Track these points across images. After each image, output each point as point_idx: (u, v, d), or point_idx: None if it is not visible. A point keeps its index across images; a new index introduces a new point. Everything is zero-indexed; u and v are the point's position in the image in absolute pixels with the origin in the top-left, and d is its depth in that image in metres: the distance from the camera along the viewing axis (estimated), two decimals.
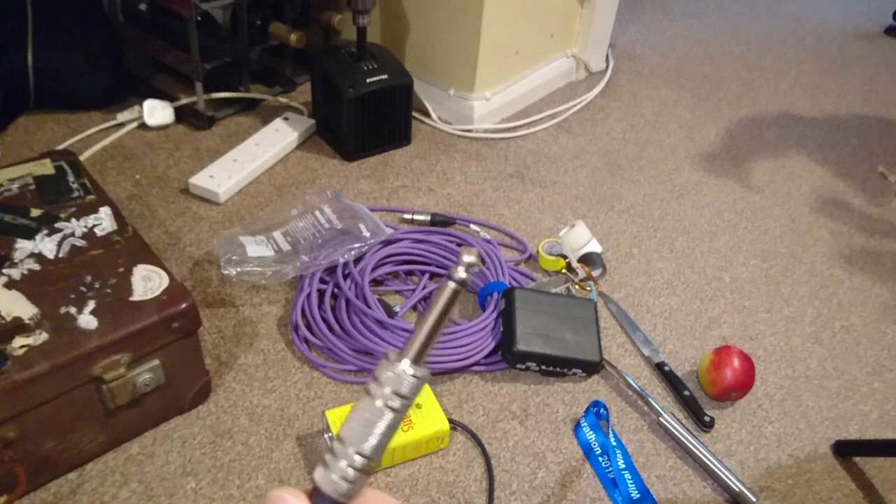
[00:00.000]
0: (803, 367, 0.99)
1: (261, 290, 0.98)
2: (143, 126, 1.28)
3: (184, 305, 0.72)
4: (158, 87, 1.37)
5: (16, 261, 0.73)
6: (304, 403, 0.84)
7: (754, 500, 0.79)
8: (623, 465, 0.82)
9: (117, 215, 0.82)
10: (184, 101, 1.30)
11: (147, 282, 0.73)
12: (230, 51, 1.29)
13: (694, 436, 0.85)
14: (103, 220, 0.80)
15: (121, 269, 0.75)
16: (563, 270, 1.06)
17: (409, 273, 1.03)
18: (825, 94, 1.72)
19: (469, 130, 1.38)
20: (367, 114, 1.23)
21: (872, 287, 1.15)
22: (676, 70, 1.73)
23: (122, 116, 1.28)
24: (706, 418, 0.88)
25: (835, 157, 1.49)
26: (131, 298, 0.72)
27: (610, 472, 0.81)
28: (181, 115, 1.30)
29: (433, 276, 1.02)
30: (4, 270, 0.72)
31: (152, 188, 1.15)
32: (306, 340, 0.90)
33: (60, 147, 1.20)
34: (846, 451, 0.88)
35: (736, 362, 0.90)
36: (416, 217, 1.13)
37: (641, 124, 1.50)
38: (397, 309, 0.95)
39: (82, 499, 0.72)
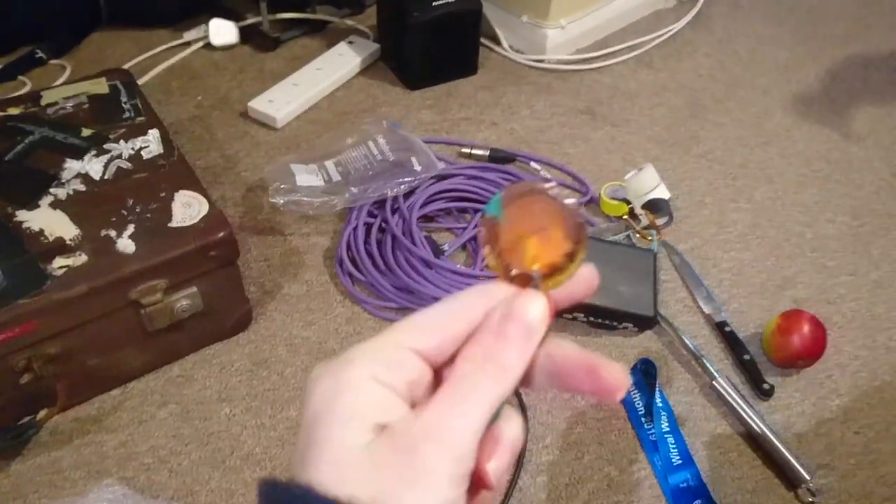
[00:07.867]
0: (885, 338, 0.91)
1: (311, 221, 0.97)
2: (209, 46, 1.27)
3: (221, 234, 0.72)
4: (226, 4, 1.34)
5: (63, 181, 0.74)
6: (342, 338, 0.84)
7: (807, 477, 0.74)
8: (667, 428, 0.78)
9: (165, 138, 0.81)
10: (249, 20, 1.28)
11: (187, 208, 0.73)
12: None
13: (749, 403, 0.80)
14: (151, 143, 0.80)
15: (163, 195, 0.74)
16: (625, 216, 0.99)
17: (462, 210, 0.99)
18: None
19: (541, 61, 1.29)
20: (433, 40, 1.17)
21: None
22: (777, 2, 1.57)
23: (188, 35, 1.27)
24: (765, 385, 0.82)
25: None
26: (170, 224, 0.71)
27: (652, 434, 0.77)
28: (246, 35, 1.28)
29: None
30: (52, 190, 0.73)
31: (214, 110, 1.15)
32: (350, 275, 0.89)
33: (129, 65, 1.21)
34: None
35: (806, 328, 0.83)
36: (475, 151, 1.08)
37: (732, 62, 1.37)
38: (446, 247, 0.92)
39: (123, 415, 0.75)
